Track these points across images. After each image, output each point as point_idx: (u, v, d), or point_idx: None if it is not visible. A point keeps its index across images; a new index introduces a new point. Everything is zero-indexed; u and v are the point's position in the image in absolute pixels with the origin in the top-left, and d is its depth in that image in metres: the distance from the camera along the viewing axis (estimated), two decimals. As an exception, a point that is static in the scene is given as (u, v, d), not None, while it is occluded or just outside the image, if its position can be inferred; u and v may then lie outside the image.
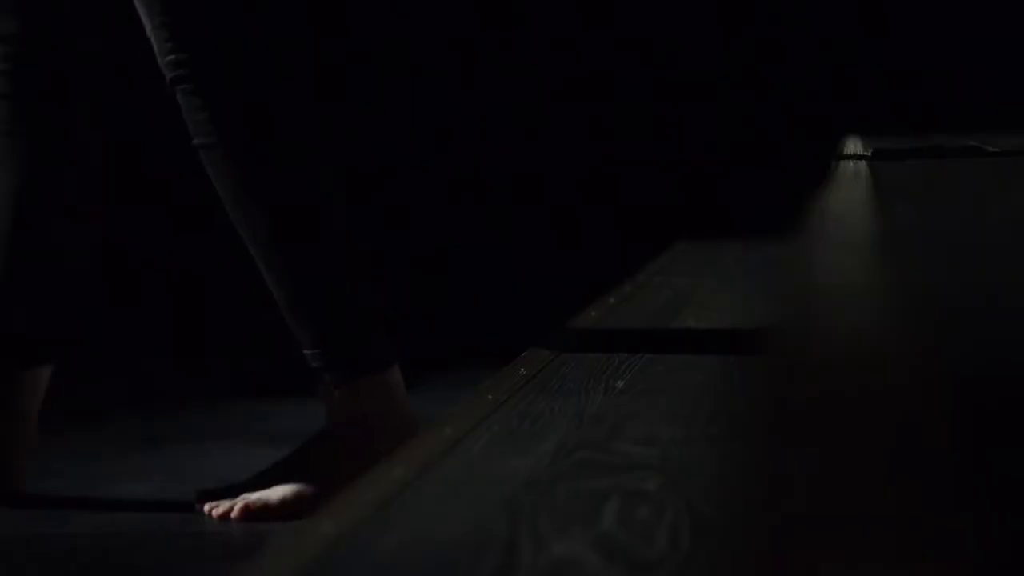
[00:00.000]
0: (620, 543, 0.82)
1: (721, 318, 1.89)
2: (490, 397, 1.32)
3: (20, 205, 1.78)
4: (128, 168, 3.50)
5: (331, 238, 1.71)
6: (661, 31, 3.54)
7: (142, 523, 1.76)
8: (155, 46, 1.68)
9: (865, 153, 1.97)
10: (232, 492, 1.77)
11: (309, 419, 1.98)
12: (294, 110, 1.69)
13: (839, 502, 0.39)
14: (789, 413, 0.47)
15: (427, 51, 3.53)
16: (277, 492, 1.75)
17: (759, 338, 1.48)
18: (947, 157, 1.94)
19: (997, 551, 0.34)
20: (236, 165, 1.67)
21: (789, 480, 0.42)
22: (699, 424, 1.19)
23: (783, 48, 3.51)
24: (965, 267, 0.72)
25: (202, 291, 3.46)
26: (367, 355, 1.72)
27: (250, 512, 1.74)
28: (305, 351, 1.72)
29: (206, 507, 1.76)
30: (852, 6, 3.52)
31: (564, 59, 3.53)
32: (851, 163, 1.80)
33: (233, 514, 1.74)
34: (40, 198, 1.79)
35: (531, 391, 1.36)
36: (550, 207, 3.54)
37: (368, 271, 1.74)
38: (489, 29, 3.54)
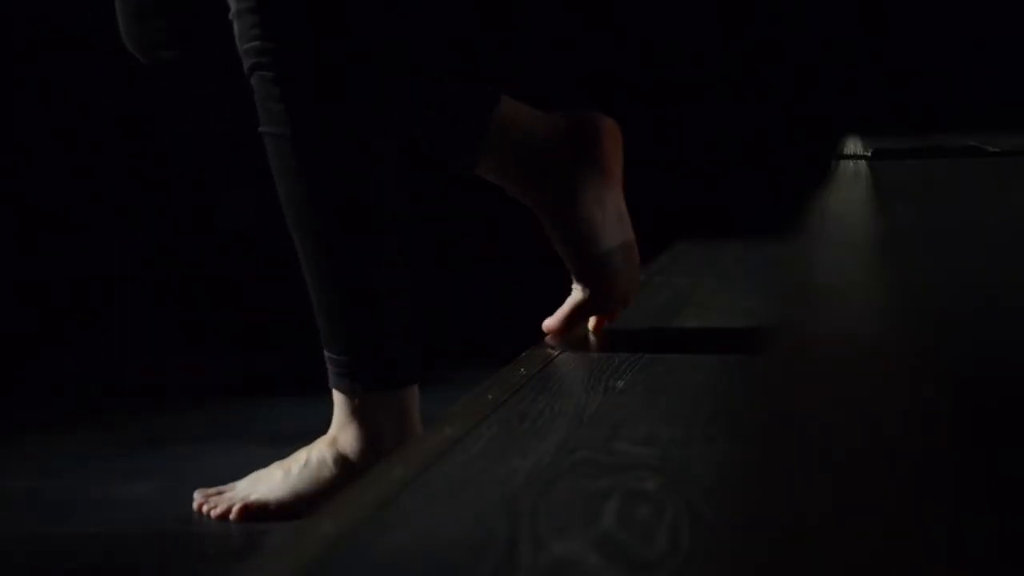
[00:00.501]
0: (620, 543, 0.82)
1: (721, 318, 1.89)
2: (490, 397, 1.32)
3: None
4: (128, 168, 3.50)
5: (384, 246, 1.69)
6: (661, 31, 3.54)
7: (142, 523, 1.76)
8: (237, 29, 1.67)
9: (865, 153, 1.97)
10: (231, 492, 1.77)
11: (309, 419, 1.98)
12: (371, 113, 1.69)
13: (838, 502, 0.39)
14: (789, 413, 0.47)
15: (427, 51, 3.52)
16: (276, 493, 1.75)
17: (759, 338, 1.48)
18: (947, 157, 1.94)
19: (997, 551, 0.34)
20: (303, 159, 1.66)
21: (789, 480, 0.42)
22: (699, 424, 1.19)
23: (783, 48, 3.51)
24: (965, 267, 0.72)
25: (202, 291, 3.46)
26: (393, 370, 1.71)
27: (249, 513, 1.74)
28: (330, 355, 1.71)
29: (204, 507, 1.76)
30: (852, 6, 3.52)
31: (564, 59, 3.53)
32: (851, 163, 1.80)
33: (231, 515, 1.74)
34: None
35: (531, 391, 1.36)
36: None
37: (408, 284, 1.73)
38: (489, 29, 3.53)
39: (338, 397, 1.73)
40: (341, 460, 1.73)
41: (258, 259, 3.36)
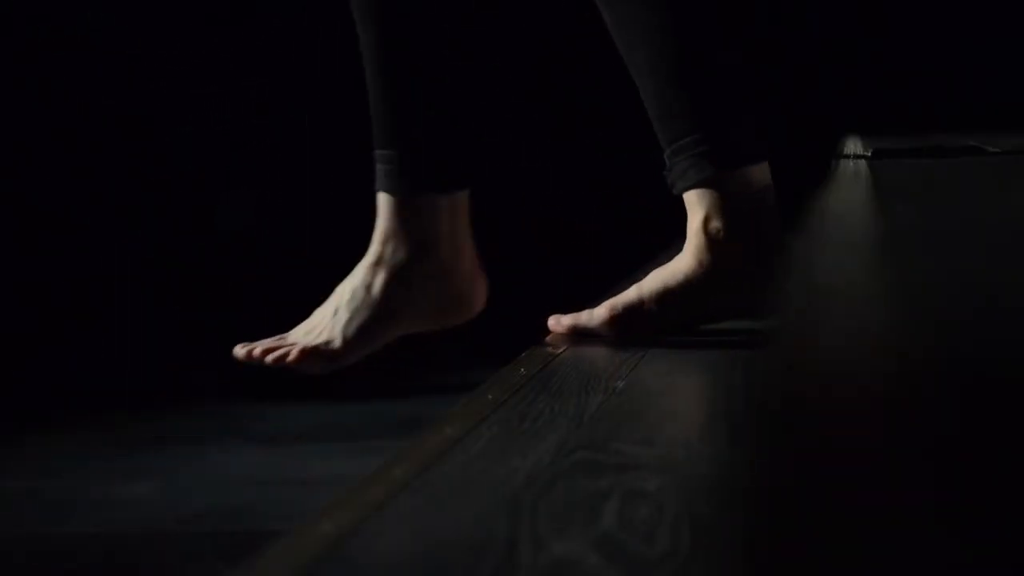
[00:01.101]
0: (620, 543, 0.82)
1: (721, 318, 1.89)
2: (490, 397, 1.32)
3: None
4: (128, 168, 3.50)
5: (439, 64, 1.66)
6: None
7: (142, 523, 1.76)
8: None
9: (865, 153, 1.97)
10: (282, 341, 1.69)
11: (309, 419, 1.98)
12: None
13: (838, 503, 0.39)
14: (789, 413, 0.47)
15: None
16: (331, 334, 1.67)
17: (759, 338, 1.48)
18: (947, 157, 1.93)
19: (997, 553, 0.34)
20: None
21: (788, 481, 0.42)
22: (699, 424, 1.19)
23: (783, 48, 3.51)
24: (965, 267, 0.72)
25: (202, 291, 3.46)
26: (443, 171, 1.67)
27: (308, 356, 1.65)
28: (379, 151, 1.65)
29: (255, 353, 1.69)
30: (852, 6, 3.52)
31: (564, 59, 3.53)
32: (851, 163, 1.80)
33: (289, 358, 1.66)
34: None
35: (531, 391, 1.36)
36: (550, 207, 3.54)
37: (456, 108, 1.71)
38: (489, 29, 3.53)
39: (383, 201, 1.67)
40: (391, 269, 1.67)
41: (258, 259, 3.36)
